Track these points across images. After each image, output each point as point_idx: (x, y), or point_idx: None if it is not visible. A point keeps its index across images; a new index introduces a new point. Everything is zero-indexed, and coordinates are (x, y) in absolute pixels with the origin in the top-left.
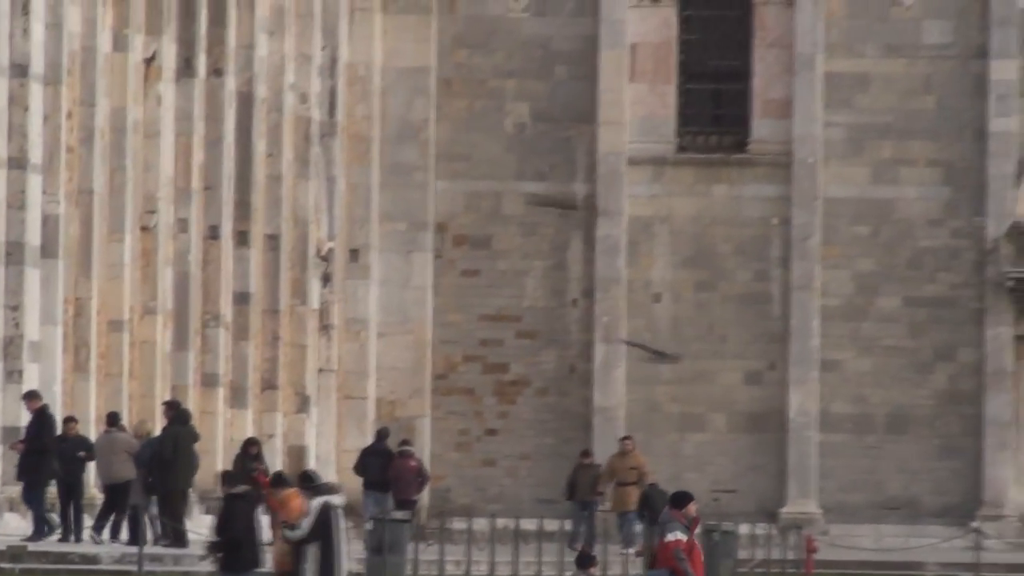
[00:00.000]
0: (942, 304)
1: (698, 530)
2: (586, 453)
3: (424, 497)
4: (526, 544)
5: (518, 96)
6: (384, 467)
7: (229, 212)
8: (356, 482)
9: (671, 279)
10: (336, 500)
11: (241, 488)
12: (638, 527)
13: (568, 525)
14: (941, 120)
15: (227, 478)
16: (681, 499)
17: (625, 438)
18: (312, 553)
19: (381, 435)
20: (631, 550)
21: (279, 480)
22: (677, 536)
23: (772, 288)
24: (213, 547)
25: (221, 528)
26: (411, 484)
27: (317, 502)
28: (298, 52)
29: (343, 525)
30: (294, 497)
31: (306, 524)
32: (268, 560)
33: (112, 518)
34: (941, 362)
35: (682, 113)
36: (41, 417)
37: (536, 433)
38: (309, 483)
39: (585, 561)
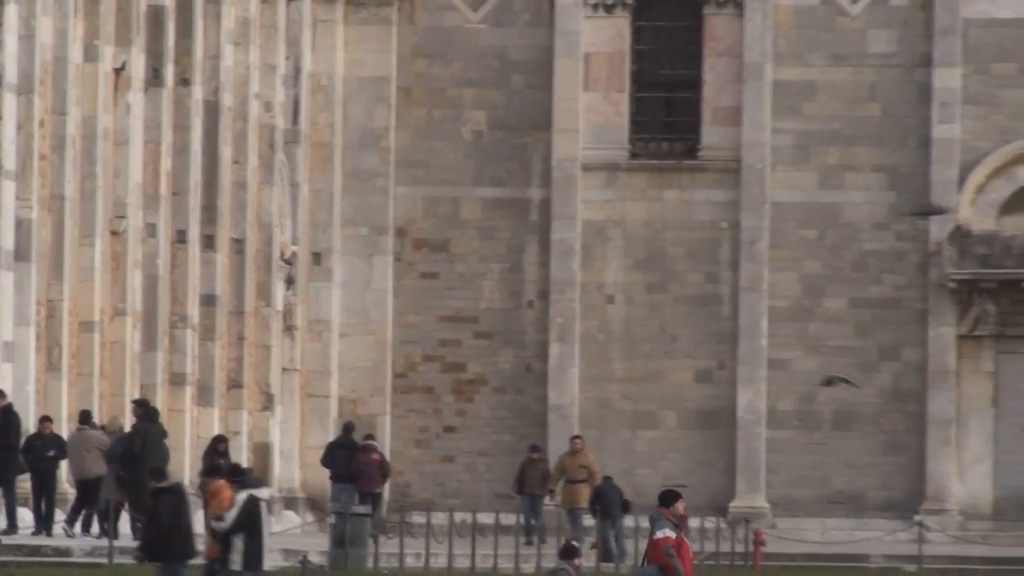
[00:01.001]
0: (887, 305)
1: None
2: (535, 448)
3: (385, 491)
4: (483, 537)
5: (475, 104)
6: (349, 460)
7: (196, 217)
8: (321, 476)
9: (624, 281)
10: (262, 493)
11: (168, 482)
12: (588, 522)
13: (530, 520)
14: (886, 127)
15: (233, 471)
16: (669, 497)
17: (575, 437)
18: (238, 543)
19: (348, 428)
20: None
21: (212, 470)
22: (666, 533)
23: (722, 290)
24: (139, 550)
25: (151, 521)
26: (373, 477)
27: (243, 495)
28: (263, 62)
29: (268, 517)
30: (223, 489)
31: (231, 515)
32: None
33: (84, 513)
34: (885, 361)
35: (635, 120)
36: (7, 415)
37: (493, 430)
38: (237, 476)
39: (569, 552)
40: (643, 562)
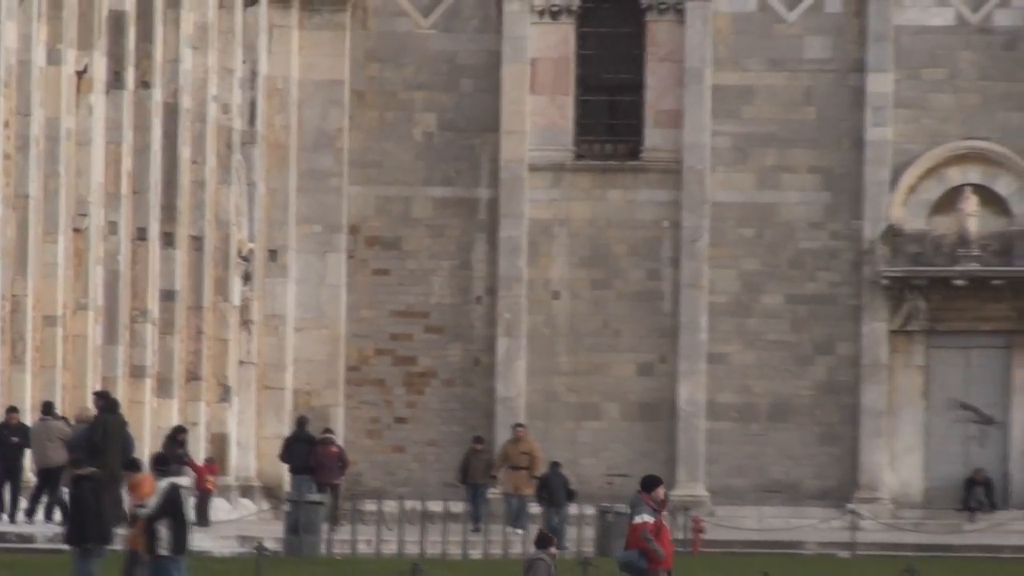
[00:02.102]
0: (822, 301)
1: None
2: (478, 440)
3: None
4: (432, 524)
5: (426, 107)
6: (307, 453)
7: (156, 215)
8: (277, 465)
9: (569, 278)
10: (183, 481)
11: (88, 470)
12: (533, 508)
13: (473, 508)
14: (821, 130)
15: (158, 460)
16: (650, 483)
17: (518, 425)
18: (163, 530)
19: (301, 423)
20: (520, 530)
21: (132, 464)
22: (644, 519)
23: (663, 286)
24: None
25: (73, 507)
26: (332, 469)
27: (165, 482)
28: (220, 66)
29: (190, 503)
30: (146, 481)
31: (153, 502)
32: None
33: (46, 500)
34: (820, 355)
35: (579, 123)
36: None
37: (443, 421)
38: (161, 465)
39: (544, 541)
40: (624, 547)
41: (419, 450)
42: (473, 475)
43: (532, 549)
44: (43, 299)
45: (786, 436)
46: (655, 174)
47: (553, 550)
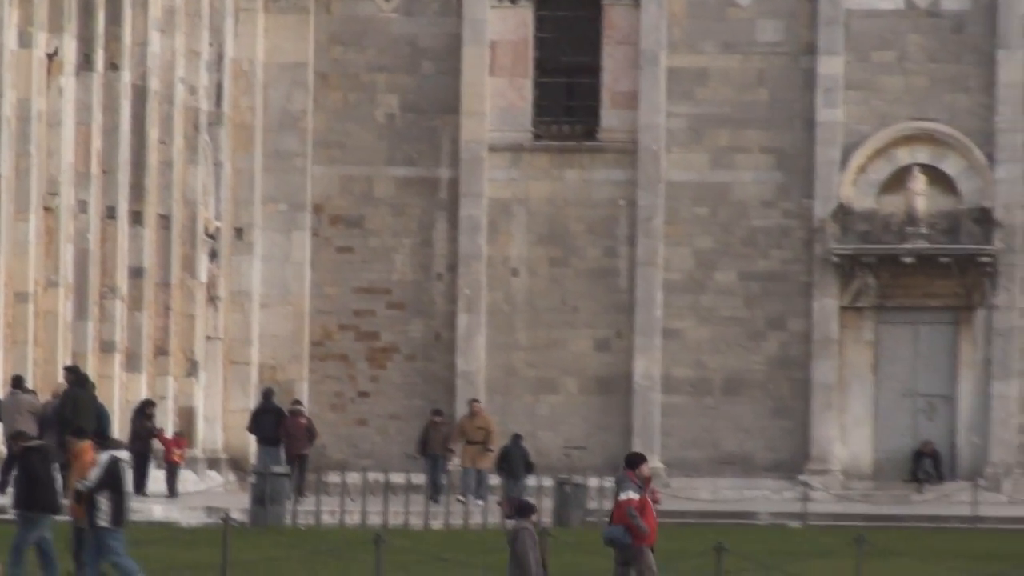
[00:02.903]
0: (774, 278)
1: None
2: (437, 412)
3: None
4: (395, 496)
5: (388, 89)
6: (275, 424)
7: (125, 194)
8: (243, 438)
9: (527, 255)
10: (122, 454)
11: (35, 442)
12: (493, 480)
13: (432, 479)
14: (773, 111)
15: (98, 435)
16: (635, 460)
17: (474, 400)
18: (103, 501)
19: (268, 395)
20: (480, 501)
21: (78, 431)
22: (629, 495)
23: (619, 264)
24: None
25: (21, 477)
26: (301, 439)
27: (105, 455)
28: (188, 48)
29: (128, 476)
30: (87, 451)
31: (94, 475)
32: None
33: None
34: (773, 331)
35: (538, 104)
36: None
37: (404, 395)
38: (101, 439)
39: (525, 510)
40: (609, 522)
41: (381, 423)
42: (432, 447)
43: (510, 520)
44: (15, 276)
45: (739, 409)
46: (611, 154)
47: (535, 517)
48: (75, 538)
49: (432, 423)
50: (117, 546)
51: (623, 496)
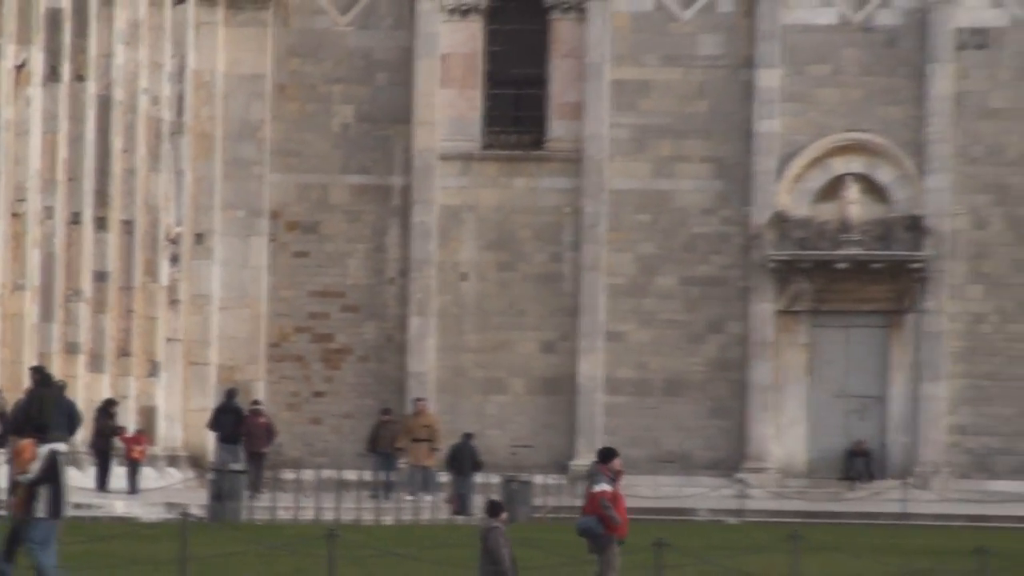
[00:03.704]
0: (713, 283)
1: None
2: (386, 411)
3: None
4: (348, 492)
5: (344, 99)
6: (236, 423)
7: (90, 201)
8: (202, 436)
9: (477, 260)
10: (61, 447)
11: None
12: (441, 478)
13: (382, 476)
14: (713, 122)
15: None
16: (607, 455)
17: (418, 399)
18: (43, 494)
19: (230, 394)
20: (428, 497)
21: (18, 429)
22: (603, 487)
23: (565, 269)
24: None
25: None
26: (261, 438)
27: (45, 449)
28: (151, 61)
29: (67, 469)
30: (27, 448)
31: (35, 468)
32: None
33: None
34: (712, 334)
35: (487, 115)
36: None
37: (358, 395)
38: (41, 433)
39: (495, 509)
40: (582, 513)
41: (336, 422)
42: (381, 444)
43: (460, 516)
44: None
45: (679, 409)
46: (558, 163)
47: (504, 516)
48: (12, 532)
49: (381, 422)
50: (41, 536)
51: (596, 488)
